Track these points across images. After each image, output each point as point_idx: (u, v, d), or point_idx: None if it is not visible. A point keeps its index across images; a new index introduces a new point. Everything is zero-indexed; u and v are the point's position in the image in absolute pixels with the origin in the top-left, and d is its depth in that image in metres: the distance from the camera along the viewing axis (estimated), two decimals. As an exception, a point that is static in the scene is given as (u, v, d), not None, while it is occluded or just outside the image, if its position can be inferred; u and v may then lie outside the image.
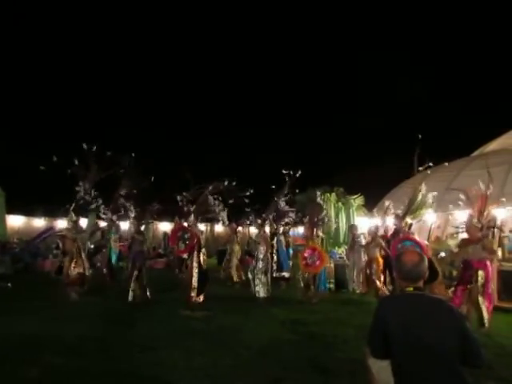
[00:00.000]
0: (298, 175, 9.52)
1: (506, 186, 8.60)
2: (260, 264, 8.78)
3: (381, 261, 8.40)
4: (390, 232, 8.65)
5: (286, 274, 10.04)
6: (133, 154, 9.48)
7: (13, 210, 14.78)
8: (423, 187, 8.29)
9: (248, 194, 8.67)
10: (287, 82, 40.80)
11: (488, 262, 5.98)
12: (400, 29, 36.00)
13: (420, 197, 8.15)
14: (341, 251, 10.91)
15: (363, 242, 9.51)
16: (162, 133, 29.40)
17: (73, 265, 8.27)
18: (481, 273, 5.90)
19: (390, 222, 8.96)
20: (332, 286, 10.13)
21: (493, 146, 12.19)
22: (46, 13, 32.35)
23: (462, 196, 7.08)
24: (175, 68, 39.59)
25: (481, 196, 6.38)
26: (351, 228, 10.18)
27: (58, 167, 8.58)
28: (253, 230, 15.86)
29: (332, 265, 10.68)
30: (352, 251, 9.88)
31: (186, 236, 7.68)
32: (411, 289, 2.21)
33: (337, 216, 10.84)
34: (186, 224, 8.17)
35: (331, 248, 10.94)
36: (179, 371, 4.16)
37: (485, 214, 6.29)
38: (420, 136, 8.18)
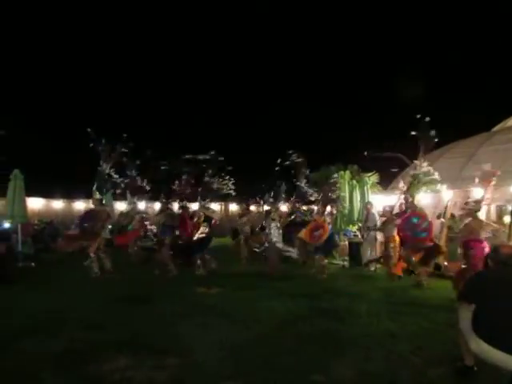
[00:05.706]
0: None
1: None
2: (274, 240, 8.95)
3: (397, 239, 8.36)
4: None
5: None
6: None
7: (32, 192, 15.07)
8: (424, 164, 8.47)
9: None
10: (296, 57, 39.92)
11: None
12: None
13: (421, 173, 8.32)
14: (355, 229, 10.87)
15: (378, 221, 9.42)
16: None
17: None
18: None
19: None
20: (346, 263, 10.17)
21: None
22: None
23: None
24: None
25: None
26: (366, 205, 10.10)
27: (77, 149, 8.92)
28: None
29: (346, 242, 10.68)
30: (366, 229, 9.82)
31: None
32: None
33: (351, 194, 10.74)
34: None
35: (345, 226, 10.89)
36: (195, 345, 4.26)
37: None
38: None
